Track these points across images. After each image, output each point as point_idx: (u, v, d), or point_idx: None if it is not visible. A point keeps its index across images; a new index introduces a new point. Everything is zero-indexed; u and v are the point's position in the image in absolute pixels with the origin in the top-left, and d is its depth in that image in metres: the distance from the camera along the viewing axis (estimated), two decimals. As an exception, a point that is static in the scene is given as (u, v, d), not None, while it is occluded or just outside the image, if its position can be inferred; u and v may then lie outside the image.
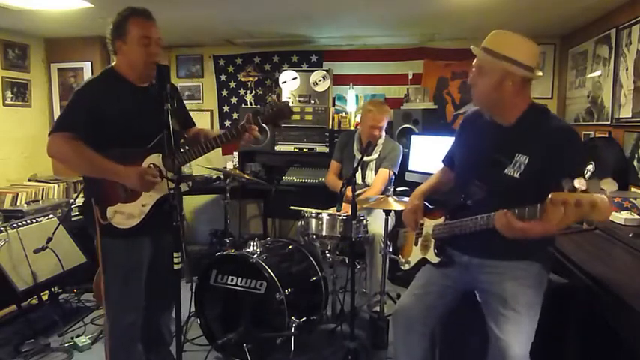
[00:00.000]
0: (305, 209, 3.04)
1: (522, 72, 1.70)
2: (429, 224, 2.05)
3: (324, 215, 2.95)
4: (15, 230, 3.06)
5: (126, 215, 2.04)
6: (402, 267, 2.22)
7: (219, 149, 2.19)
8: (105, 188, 2.04)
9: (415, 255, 2.13)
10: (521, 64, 1.69)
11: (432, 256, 2.01)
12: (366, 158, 3.27)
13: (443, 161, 2.17)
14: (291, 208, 3.19)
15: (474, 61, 1.78)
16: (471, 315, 1.95)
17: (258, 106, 4.75)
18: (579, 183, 1.29)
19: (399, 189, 3.36)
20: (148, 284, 2.20)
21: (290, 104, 4.36)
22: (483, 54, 1.74)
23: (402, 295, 2.06)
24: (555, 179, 1.42)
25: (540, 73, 1.76)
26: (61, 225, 3.27)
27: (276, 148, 4.52)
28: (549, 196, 1.38)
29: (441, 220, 1.98)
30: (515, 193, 1.67)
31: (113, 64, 2.11)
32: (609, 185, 1.28)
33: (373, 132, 3.33)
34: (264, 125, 2.10)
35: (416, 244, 2.14)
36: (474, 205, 1.81)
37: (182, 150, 2.15)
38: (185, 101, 5.49)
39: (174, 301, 2.09)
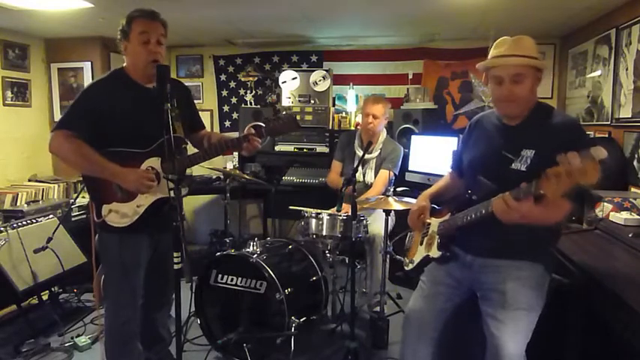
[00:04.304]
0: (305, 209, 3.04)
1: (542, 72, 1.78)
2: (435, 222, 2.08)
3: (324, 215, 2.94)
4: (15, 230, 3.06)
5: (120, 214, 2.07)
6: (406, 267, 2.22)
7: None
8: (101, 186, 2.06)
9: (419, 254, 2.14)
10: (541, 65, 1.76)
11: (434, 252, 2.02)
12: (366, 156, 3.27)
13: (451, 167, 2.22)
14: (291, 208, 3.19)
15: (510, 69, 1.73)
16: (471, 319, 1.95)
17: (258, 106, 4.76)
18: (572, 156, 1.35)
19: (399, 189, 3.36)
20: (145, 283, 2.20)
21: (290, 104, 4.45)
22: (523, 61, 1.73)
23: (412, 299, 2.05)
24: None
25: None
26: (61, 225, 3.28)
27: (276, 148, 4.53)
28: (545, 171, 1.41)
29: (446, 217, 2.01)
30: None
31: (123, 65, 2.14)
32: (598, 152, 1.37)
33: (367, 120, 3.36)
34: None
35: (421, 243, 2.16)
36: (480, 199, 1.82)
37: (178, 156, 2.13)
38: (185, 101, 5.45)
39: (170, 300, 2.08)
